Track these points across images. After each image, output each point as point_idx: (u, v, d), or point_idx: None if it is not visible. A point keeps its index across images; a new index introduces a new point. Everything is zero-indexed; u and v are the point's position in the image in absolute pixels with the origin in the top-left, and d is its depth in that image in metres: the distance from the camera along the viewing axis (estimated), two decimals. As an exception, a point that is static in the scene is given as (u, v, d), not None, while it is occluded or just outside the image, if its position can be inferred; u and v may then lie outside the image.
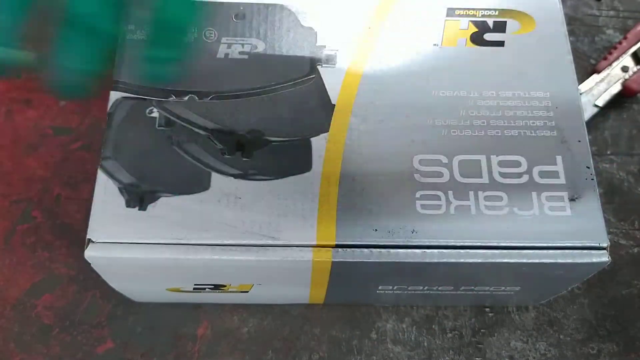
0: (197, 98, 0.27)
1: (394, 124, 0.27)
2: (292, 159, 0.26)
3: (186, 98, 0.27)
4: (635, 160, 0.33)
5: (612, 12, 0.36)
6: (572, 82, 0.28)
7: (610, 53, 0.34)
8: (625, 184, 0.33)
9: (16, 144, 0.35)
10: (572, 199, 0.26)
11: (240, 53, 0.28)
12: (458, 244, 0.25)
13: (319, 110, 0.27)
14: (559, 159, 0.26)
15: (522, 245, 0.25)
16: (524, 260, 0.24)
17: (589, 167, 0.26)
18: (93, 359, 0.30)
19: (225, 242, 0.24)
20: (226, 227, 0.24)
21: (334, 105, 0.27)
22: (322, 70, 0.28)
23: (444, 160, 0.26)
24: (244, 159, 0.26)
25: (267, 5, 0.29)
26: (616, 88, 0.34)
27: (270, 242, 0.24)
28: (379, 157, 0.26)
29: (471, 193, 0.26)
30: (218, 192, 0.25)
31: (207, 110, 0.27)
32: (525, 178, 0.26)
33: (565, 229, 0.25)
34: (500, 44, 0.29)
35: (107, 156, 0.26)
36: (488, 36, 0.29)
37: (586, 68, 0.37)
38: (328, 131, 0.27)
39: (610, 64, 0.34)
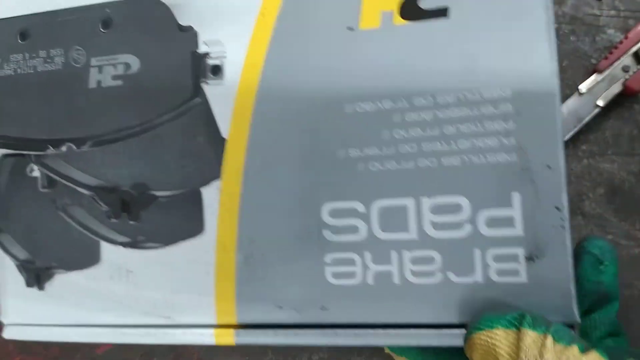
0: (74, 147, 0.22)
1: (296, 161, 0.20)
2: (182, 219, 0.21)
3: (64, 148, 0.22)
4: (636, 160, 0.33)
5: (613, 12, 0.36)
6: (548, 65, 0.18)
7: (611, 53, 0.34)
8: (626, 184, 0.33)
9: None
10: (529, 258, 0.18)
11: (114, 78, 0.22)
12: (378, 323, 0.20)
13: (208, 148, 0.21)
14: (515, 197, 0.18)
15: (453, 324, 0.19)
16: (449, 342, 0.19)
17: (559, 209, 0.18)
18: (93, 359, 0.30)
19: (124, 322, 0.22)
20: (121, 307, 0.22)
21: (225, 139, 0.21)
22: (208, 88, 0.21)
23: (360, 208, 0.20)
24: (131, 222, 0.22)
25: (134, 1, 0.22)
26: (617, 88, 0.33)
27: (169, 322, 0.22)
28: (280, 210, 0.21)
29: (394, 254, 0.19)
30: (109, 265, 0.22)
31: (87, 162, 0.22)
32: (466, 229, 0.19)
33: (516, 302, 0.18)
34: (442, 13, 0.20)
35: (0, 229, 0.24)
36: (425, 3, 0.20)
37: (587, 68, 0.37)
38: (220, 177, 0.21)
39: (611, 64, 0.34)
